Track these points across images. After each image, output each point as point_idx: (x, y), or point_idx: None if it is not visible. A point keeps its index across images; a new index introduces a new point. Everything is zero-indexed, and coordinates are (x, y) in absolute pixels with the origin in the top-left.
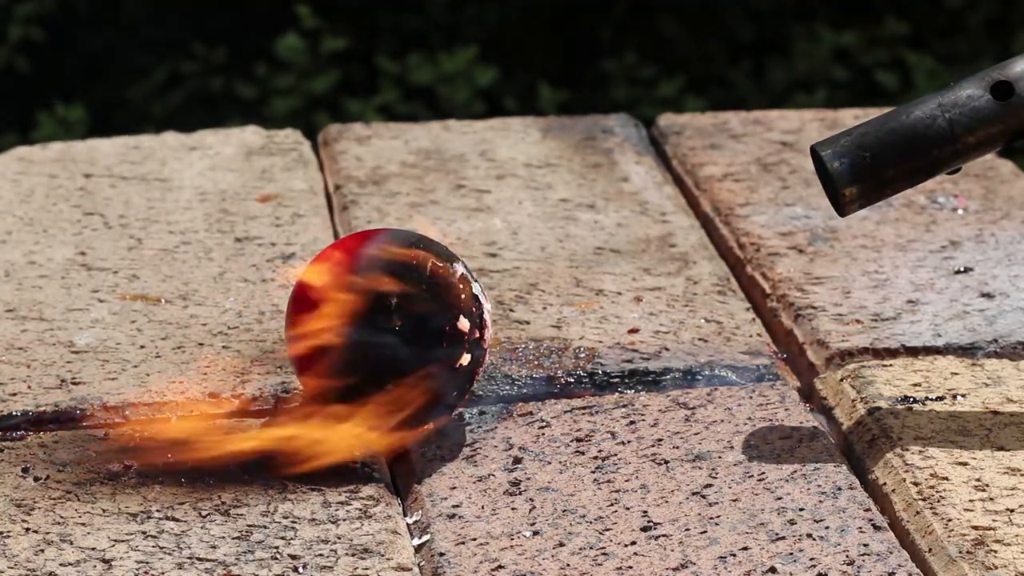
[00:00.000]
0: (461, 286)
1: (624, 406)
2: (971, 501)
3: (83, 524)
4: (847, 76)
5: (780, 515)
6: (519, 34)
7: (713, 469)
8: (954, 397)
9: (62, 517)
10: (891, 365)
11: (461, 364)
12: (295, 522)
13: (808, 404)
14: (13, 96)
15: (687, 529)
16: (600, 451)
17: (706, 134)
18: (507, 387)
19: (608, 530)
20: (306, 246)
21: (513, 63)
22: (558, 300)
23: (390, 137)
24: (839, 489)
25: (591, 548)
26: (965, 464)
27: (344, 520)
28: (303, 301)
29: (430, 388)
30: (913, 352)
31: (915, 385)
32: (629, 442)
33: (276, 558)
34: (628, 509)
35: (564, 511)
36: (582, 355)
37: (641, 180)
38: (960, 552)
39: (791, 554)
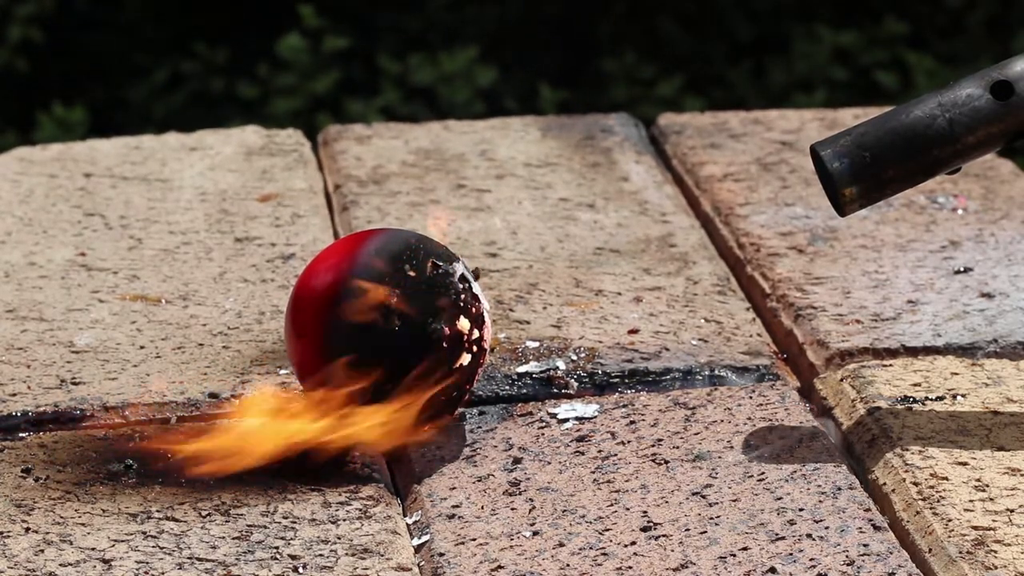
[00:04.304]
0: (461, 286)
1: (624, 406)
2: (971, 501)
3: (83, 524)
4: (847, 76)
5: (780, 515)
6: (519, 34)
7: (713, 469)
8: (954, 397)
9: (62, 517)
10: (891, 365)
11: (461, 364)
12: (295, 522)
13: (808, 404)
14: (13, 96)
15: (687, 529)
16: (600, 451)
17: (706, 134)
18: (507, 387)
19: (608, 530)
20: (306, 246)
21: (513, 63)
22: (558, 300)
23: (390, 137)
24: (839, 489)
25: (591, 548)
26: (965, 464)
27: (344, 520)
28: (303, 302)
29: (430, 388)
30: (913, 352)
31: (915, 385)
32: (629, 442)
33: (276, 558)
34: (628, 509)
35: (564, 511)
36: (582, 355)
37: (641, 180)
38: (960, 552)
39: (791, 554)
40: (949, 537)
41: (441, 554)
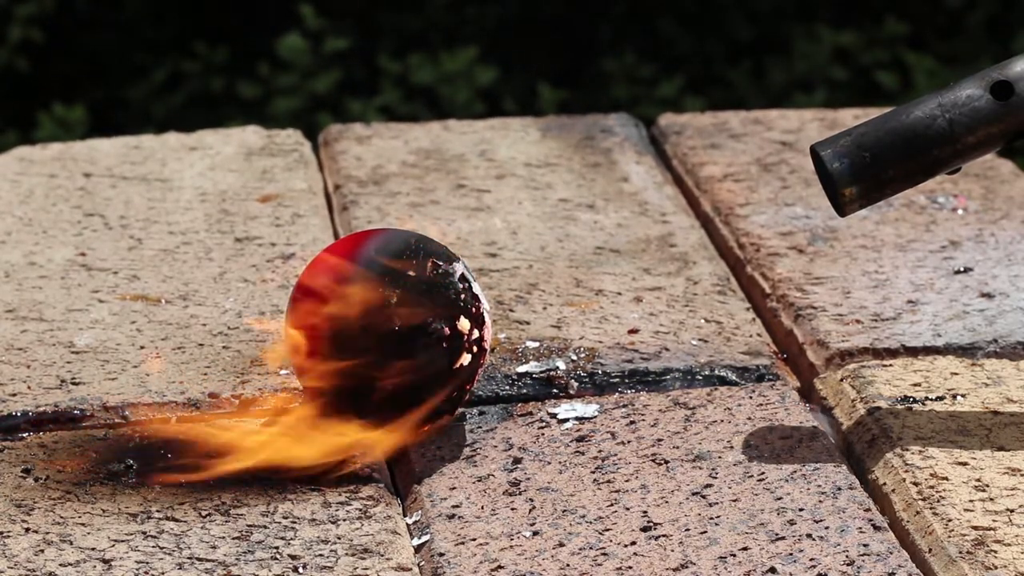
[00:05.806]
0: (461, 286)
1: (624, 406)
2: (971, 501)
3: (83, 524)
4: (847, 76)
5: (780, 515)
6: (519, 34)
7: (713, 469)
8: (954, 397)
9: (62, 517)
10: (891, 365)
11: (461, 364)
12: (295, 522)
13: (808, 404)
14: (13, 96)
15: (687, 529)
16: (600, 451)
17: (706, 134)
18: (507, 387)
19: (608, 530)
20: (306, 246)
21: (513, 63)
22: (558, 300)
23: (390, 137)
24: (839, 489)
25: (591, 548)
26: (965, 464)
27: (344, 520)
28: (303, 302)
29: (430, 388)
30: (913, 352)
31: (915, 385)
32: (629, 442)
33: (276, 558)
34: (628, 509)
35: (564, 511)
36: (582, 355)
37: (641, 180)
38: (960, 552)
39: (791, 554)
40: (949, 537)
41: (441, 554)
